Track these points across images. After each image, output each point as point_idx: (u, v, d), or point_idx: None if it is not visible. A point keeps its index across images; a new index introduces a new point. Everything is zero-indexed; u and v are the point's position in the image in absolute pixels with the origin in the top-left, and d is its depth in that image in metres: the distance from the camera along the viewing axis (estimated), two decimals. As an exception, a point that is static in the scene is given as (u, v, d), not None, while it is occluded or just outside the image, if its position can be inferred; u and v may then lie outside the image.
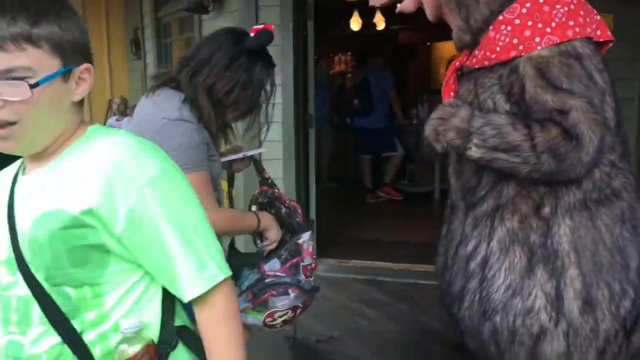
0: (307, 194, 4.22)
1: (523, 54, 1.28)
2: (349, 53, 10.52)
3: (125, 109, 6.14)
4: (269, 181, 1.90)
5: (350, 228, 5.19)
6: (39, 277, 0.95)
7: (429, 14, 1.51)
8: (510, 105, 1.32)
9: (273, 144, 3.98)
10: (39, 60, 0.91)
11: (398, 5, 1.55)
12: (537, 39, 1.28)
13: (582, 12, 1.32)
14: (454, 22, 1.43)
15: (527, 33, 1.28)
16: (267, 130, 1.73)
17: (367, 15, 7.29)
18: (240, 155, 1.90)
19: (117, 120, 6.10)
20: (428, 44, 8.75)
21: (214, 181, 1.66)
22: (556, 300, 1.32)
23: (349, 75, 9.98)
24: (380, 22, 7.60)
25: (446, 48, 7.84)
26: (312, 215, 4.26)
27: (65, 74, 0.95)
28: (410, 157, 6.32)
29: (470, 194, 1.46)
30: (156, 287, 1.02)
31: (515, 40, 1.29)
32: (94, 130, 1.02)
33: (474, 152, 1.33)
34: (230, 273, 1.01)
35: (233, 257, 1.86)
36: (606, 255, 1.31)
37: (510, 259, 1.35)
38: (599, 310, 1.31)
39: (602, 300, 1.31)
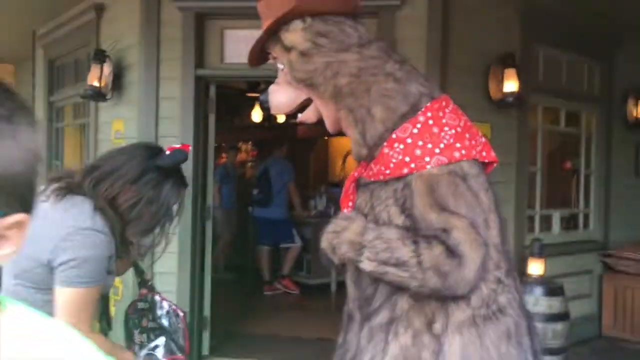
0: (201, 289, 4.06)
1: (415, 171, 1.34)
2: (250, 142, 10.69)
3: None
4: (149, 283, 1.80)
5: (246, 323, 5.02)
6: None
7: (328, 126, 1.55)
8: (404, 218, 1.37)
9: (168, 237, 3.85)
10: None
11: (299, 115, 1.59)
12: (427, 159, 1.33)
13: (467, 135, 1.39)
14: (352, 135, 1.48)
15: (418, 152, 1.34)
16: (164, 250, 1.66)
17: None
18: None
19: None
20: (326, 138, 9.11)
21: (105, 292, 1.57)
22: None
23: (250, 164, 10.09)
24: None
25: (342, 142, 8.20)
26: (206, 311, 4.08)
27: None
28: (308, 248, 6.35)
29: (367, 305, 1.47)
30: None
31: (407, 158, 1.35)
32: None
33: (366, 265, 1.35)
34: None
35: None
36: None
37: None
38: None
39: None
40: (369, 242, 1.34)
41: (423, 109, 1.39)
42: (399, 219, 1.37)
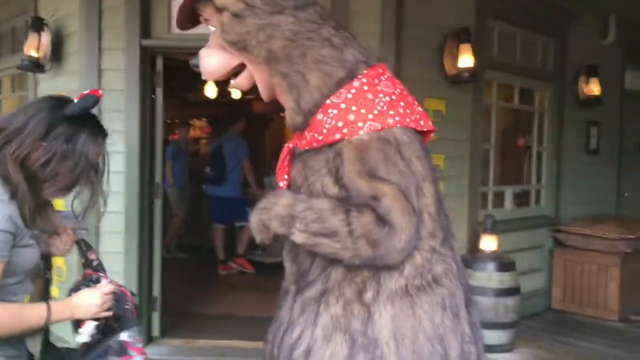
0: (150, 269, 3.92)
1: (347, 137, 1.30)
2: (204, 119, 10.45)
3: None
4: (94, 263, 1.67)
5: (199, 303, 4.92)
6: None
7: (262, 92, 1.48)
8: (338, 188, 1.32)
9: (114, 216, 3.69)
10: None
11: (231, 81, 1.51)
12: (360, 124, 1.29)
13: (402, 104, 1.36)
14: (286, 103, 1.42)
15: (351, 117, 1.30)
16: (105, 205, 1.56)
17: (223, 82, 7.30)
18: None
19: None
20: (282, 114, 8.95)
21: (24, 272, 1.44)
22: None
23: (204, 141, 9.87)
24: (235, 91, 7.65)
25: (300, 120, 8.06)
26: (156, 292, 3.96)
27: None
28: (264, 227, 6.25)
29: (302, 279, 1.42)
30: None
31: (340, 124, 1.31)
32: None
33: (297, 237, 1.31)
34: None
35: (47, 354, 1.60)
36: (426, 344, 1.30)
37: (332, 348, 1.31)
38: None
39: None
40: (299, 213, 1.30)
41: (359, 76, 1.36)
42: (333, 189, 1.33)
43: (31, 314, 1.43)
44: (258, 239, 1.39)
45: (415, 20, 3.81)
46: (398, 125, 1.31)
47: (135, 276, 3.71)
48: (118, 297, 1.63)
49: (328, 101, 1.34)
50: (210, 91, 8.06)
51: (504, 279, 4.00)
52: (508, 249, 4.45)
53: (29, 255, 1.43)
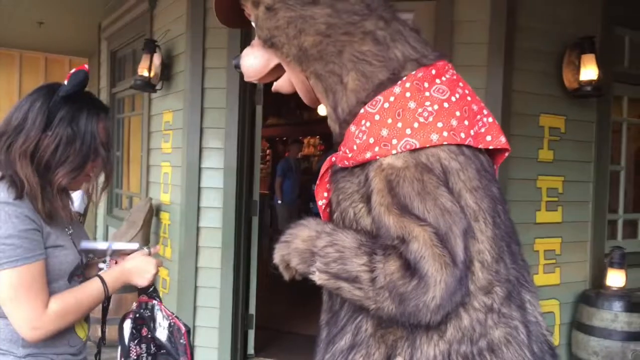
0: (247, 286, 3.92)
1: (378, 157, 1.06)
2: (318, 137, 10.56)
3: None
4: (149, 290, 1.60)
5: (298, 322, 4.85)
6: None
7: (302, 96, 1.31)
8: (372, 219, 1.08)
9: (212, 231, 3.75)
10: None
11: (274, 84, 1.35)
12: (394, 141, 1.05)
13: (459, 113, 1.08)
14: (325, 109, 1.23)
15: (384, 133, 1.06)
16: (107, 183, 1.55)
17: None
18: (102, 246, 1.61)
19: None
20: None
21: (62, 275, 1.41)
22: None
23: (316, 158, 9.96)
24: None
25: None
26: (252, 309, 3.94)
27: None
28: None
29: (334, 321, 1.21)
30: None
31: (371, 140, 1.07)
32: None
33: (317, 277, 1.08)
34: None
35: None
36: None
37: None
38: None
39: None
40: (320, 249, 1.09)
41: (404, 78, 1.11)
42: (367, 219, 1.09)
43: (90, 290, 1.43)
44: (286, 277, 1.21)
45: (528, 29, 3.47)
46: (446, 143, 1.05)
47: (231, 292, 3.71)
48: (172, 330, 1.56)
49: (362, 110, 1.12)
50: (323, 109, 8.11)
51: (632, 321, 3.48)
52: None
53: (63, 258, 1.41)
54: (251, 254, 3.95)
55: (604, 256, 3.81)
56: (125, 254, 1.61)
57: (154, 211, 4.18)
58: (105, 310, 1.60)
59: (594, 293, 3.64)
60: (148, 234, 4.14)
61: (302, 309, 5.28)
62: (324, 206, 1.27)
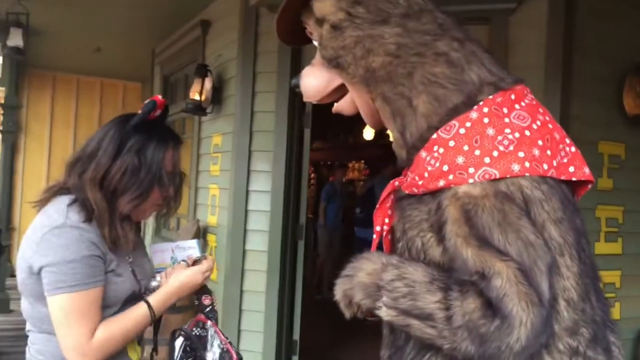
0: (291, 311, 3.87)
1: (452, 185, 1.00)
2: (362, 161, 10.52)
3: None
4: (207, 309, 1.60)
5: (342, 350, 4.75)
6: None
7: (366, 119, 1.26)
8: (443, 249, 1.02)
9: (257, 254, 3.73)
10: None
11: (335, 105, 1.30)
12: (472, 170, 0.98)
13: (540, 142, 1.02)
14: (392, 132, 1.17)
15: (460, 160, 1.00)
16: (172, 212, 1.58)
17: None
18: (166, 247, 1.67)
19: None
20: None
21: (117, 303, 1.42)
22: None
23: (361, 183, 9.91)
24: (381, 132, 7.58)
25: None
26: (296, 335, 3.88)
27: None
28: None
29: (397, 356, 1.13)
30: None
31: (445, 167, 1.01)
32: None
33: (384, 313, 1.01)
34: None
35: None
36: None
37: None
38: None
39: None
40: (387, 283, 1.01)
41: (481, 103, 1.05)
42: (437, 249, 1.02)
43: (135, 316, 1.43)
44: (347, 314, 1.13)
45: (587, 53, 3.35)
46: (527, 173, 0.99)
47: (276, 317, 3.68)
48: (223, 354, 1.53)
49: (435, 135, 1.06)
50: (369, 134, 8.10)
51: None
52: None
53: (120, 285, 1.42)
54: (296, 278, 3.90)
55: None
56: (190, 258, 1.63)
57: (201, 233, 4.21)
58: (156, 330, 1.58)
59: (659, 332, 3.43)
60: (195, 255, 4.16)
61: (345, 336, 5.19)
62: (384, 233, 1.21)
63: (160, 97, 1.49)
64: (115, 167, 1.39)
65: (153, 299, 1.47)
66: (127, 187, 1.40)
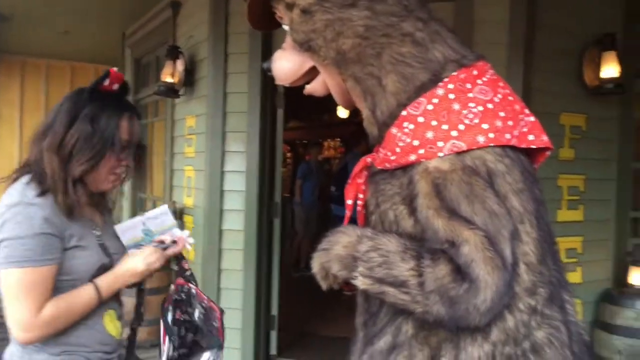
0: (269, 287, 3.98)
1: (422, 159, 1.06)
2: (338, 139, 10.60)
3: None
4: (187, 273, 1.67)
5: (319, 324, 4.89)
6: None
7: (337, 99, 1.31)
8: (414, 221, 1.08)
9: (234, 234, 3.81)
10: None
11: (306, 86, 1.35)
12: (440, 144, 1.05)
13: (502, 114, 1.08)
14: (362, 111, 1.23)
15: (430, 135, 1.06)
16: (124, 179, 1.59)
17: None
18: (134, 222, 1.69)
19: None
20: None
21: (82, 278, 1.46)
22: None
23: (337, 161, 10.00)
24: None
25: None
26: (274, 310, 3.99)
27: None
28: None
29: (371, 322, 1.22)
30: None
31: (415, 142, 1.07)
32: None
33: (360, 282, 1.08)
34: None
35: None
36: None
37: None
38: None
39: None
40: (362, 254, 1.08)
41: (446, 80, 1.11)
42: (409, 221, 1.09)
43: (81, 296, 1.45)
44: (324, 286, 1.20)
45: (549, 28, 3.47)
46: (492, 144, 1.05)
47: (254, 294, 3.77)
48: (206, 312, 1.62)
49: (404, 112, 1.12)
50: (343, 112, 8.16)
51: (657, 320, 3.44)
52: (666, 285, 3.85)
53: (84, 259, 1.46)
54: (273, 255, 4.00)
55: (627, 254, 3.78)
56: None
57: (178, 215, 4.26)
58: (141, 292, 1.67)
59: (617, 292, 3.62)
60: (172, 236, 4.22)
61: (323, 310, 5.33)
62: (359, 207, 1.27)
63: (116, 69, 1.52)
64: (69, 134, 1.44)
65: (100, 280, 1.49)
66: (80, 152, 1.44)
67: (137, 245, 1.66)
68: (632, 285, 3.61)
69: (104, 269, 1.51)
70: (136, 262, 1.55)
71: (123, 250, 1.63)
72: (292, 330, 4.44)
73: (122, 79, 1.54)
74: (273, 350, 4.00)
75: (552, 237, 1.18)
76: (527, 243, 1.07)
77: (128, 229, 1.69)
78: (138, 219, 1.72)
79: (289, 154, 12.17)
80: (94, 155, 1.45)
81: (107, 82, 1.50)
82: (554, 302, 1.10)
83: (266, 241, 3.91)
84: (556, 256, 1.17)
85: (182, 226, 4.26)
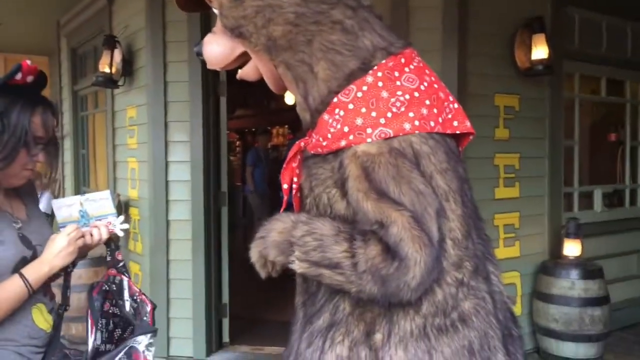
0: (219, 276, 3.99)
1: (352, 145, 1.10)
2: (286, 126, 10.61)
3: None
4: (119, 265, 1.64)
5: (270, 310, 4.93)
6: None
7: (270, 84, 1.32)
8: (347, 203, 1.11)
9: (181, 224, 3.79)
10: None
11: (239, 71, 1.35)
12: (369, 130, 1.08)
13: (428, 102, 1.12)
14: (295, 97, 1.25)
15: (359, 121, 1.09)
16: (53, 174, 1.58)
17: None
18: (71, 201, 1.62)
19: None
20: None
21: (6, 270, 1.43)
22: None
23: (285, 148, 10.02)
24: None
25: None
26: (225, 298, 4.01)
27: None
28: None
29: (310, 302, 1.26)
30: None
31: (346, 128, 1.10)
32: None
33: (297, 266, 1.11)
34: None
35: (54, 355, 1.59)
36: None
37: None
38: None
39: None
40: (298, 239, 1.12)
41: (375, 67, 1.14)
42: (342, 203, 1.13)
43: (8, 289, 1.42)
44: (263, 274, 1.23)
45: (481, 13, 3.59)
46: (417, 131, 1.09)
47: (204, 283, 3.78)
48: (138, 306, 1.62)
49: (335, 99, 1.14)
50: (290, 98, 8.17)
51: (588, 287, 3.66)
52: (597, 255, 4.09)
53: (2, 253, 1.43)
54: (222, 244, 4.00)
55: (561, 228, 3.99)
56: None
57: (123, 207, 4.20)
58: (68, 275, 1.61)
59: (552, 263, 3.82)
60: (118, 229, 4.16)
61: (274, 296, 5.37)
62: (294, 191, 1.30)
63: (29, 62, 1.46)
64: None
65: (25, 269, 1.46)
66: None
67: (65, 225, 1.60)
68: (566, 257, 3.82)
69: (25, 261, 1.48)
70: (58, 240, 1.49)
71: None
72: (243, 317, 4.47)
73: (36, 71, 1.48)
74: (226, 338, 4.03)
75: (477, 213, 1.24)
76: (452, 220, 1.12)
77: (65, 205, 1.63)
78: (77, 197, 1.65)
79: (238, 143, 12.09)
80: (6, 155, 1.42)
81: (19, 76, 1.44)
82: (479, 274, 1.17)
83: (215, 230, 3.91)
84: (481, 230, 1.24)
85: (128, 220, 4.21)
